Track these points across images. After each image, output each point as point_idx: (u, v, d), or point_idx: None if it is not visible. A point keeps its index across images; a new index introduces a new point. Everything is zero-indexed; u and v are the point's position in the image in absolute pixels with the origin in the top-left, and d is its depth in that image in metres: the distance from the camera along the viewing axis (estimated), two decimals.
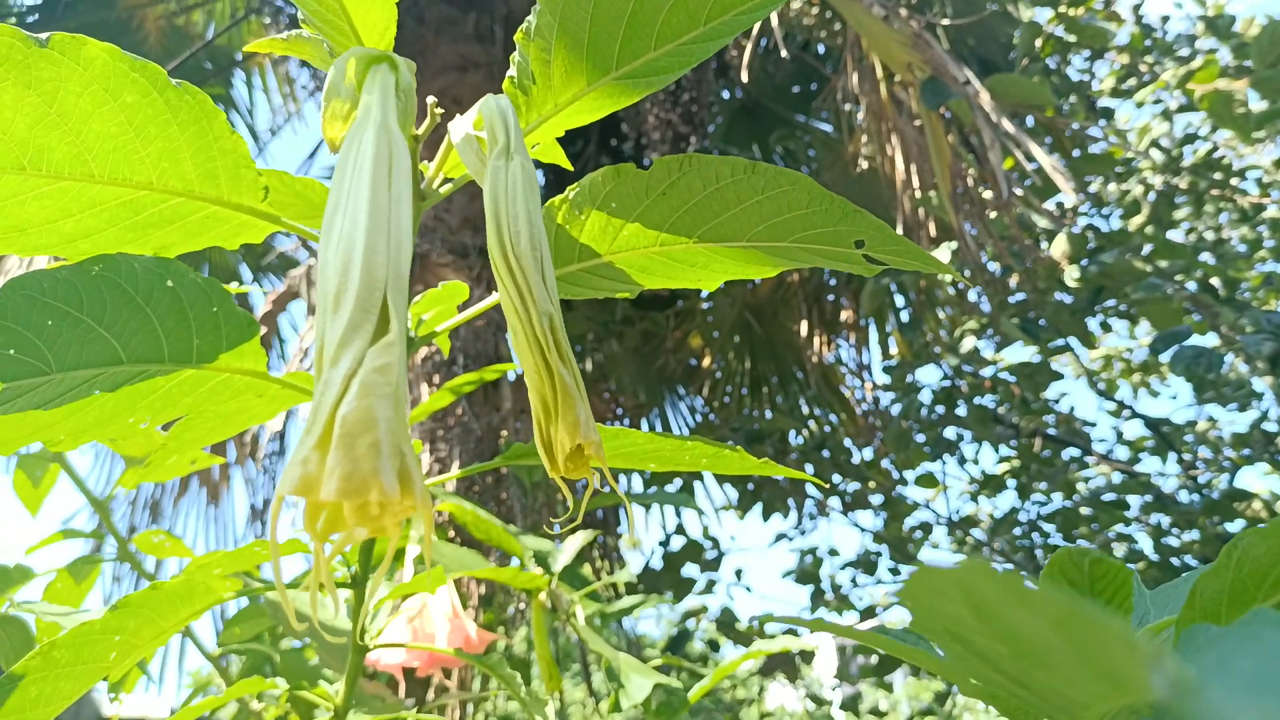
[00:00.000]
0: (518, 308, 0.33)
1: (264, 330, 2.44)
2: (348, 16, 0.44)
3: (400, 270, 0.28)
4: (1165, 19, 2.57)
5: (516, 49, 0.44)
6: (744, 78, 2.54)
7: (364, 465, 0.24)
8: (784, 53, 2.42)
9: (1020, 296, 2.34)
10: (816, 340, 3.42)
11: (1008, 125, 1.61)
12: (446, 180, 0.49)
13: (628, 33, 0.42)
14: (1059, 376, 2.81)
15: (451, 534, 1.56)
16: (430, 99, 0.46)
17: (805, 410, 3.60)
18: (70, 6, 3.31)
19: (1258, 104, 2.03)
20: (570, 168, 0.56)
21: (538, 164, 0.47)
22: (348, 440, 0.25)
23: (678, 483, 3.28)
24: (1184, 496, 2.93)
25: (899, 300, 3.30)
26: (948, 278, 2.23)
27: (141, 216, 0.44)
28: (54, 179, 0.41)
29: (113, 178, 0.42)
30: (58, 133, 0.39)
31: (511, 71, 0.45)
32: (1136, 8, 2.50)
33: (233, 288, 0.69)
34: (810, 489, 3.38)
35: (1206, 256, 2.57)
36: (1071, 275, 1.91)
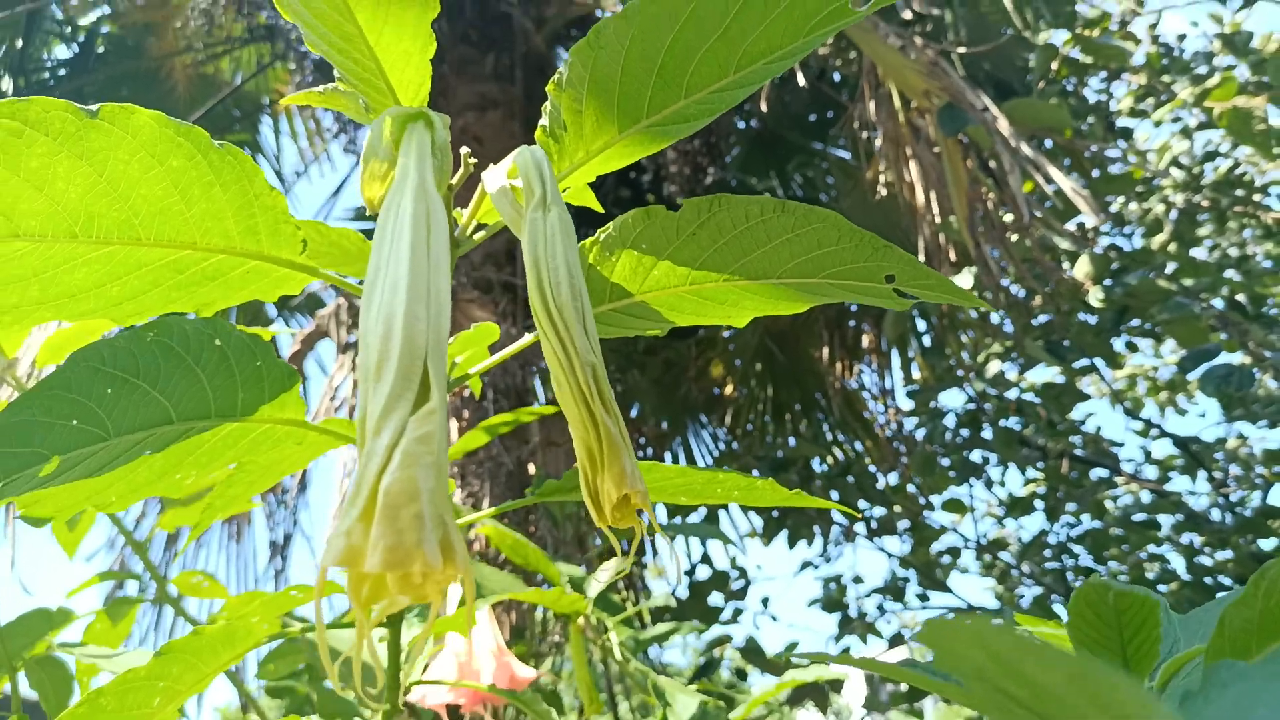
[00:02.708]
0: (560, 358, 0.33)
1: (298, 373, 2.47)
2: (383, 74, 0.45)
3: (440, 337, 0.29)
4: (1182, 37, 2.57)
5: (548, 98, 0.45)
6: (762, 107, 2.55)
7: (408, 537, 0.25)
8: (801, 81, 2.44)
9: (1044, 318, 2.33)
10: (839, 366, 3.41)
11: (1026, 149, 1.61)
12: (480, 227, 0.50)
13: (658, 83, 0.43)
14: (1085, 397, 2.79)
15: (492, 562, 1.57)
16: (464, 150, 0.47)
17: (829, 437, 3.59)
18: (101, 59, 3.38)
19: (1278, 119, 2.02)
20: (601, 210, 0.57)
21: (569, 207, 0.48)
22: (391, 512, 0.25)
23: (702, 511, 3.27)
24: (1215, 515, 2.88)
25: (921, 325, 3.29)
26: None
27: (185, 275, 0.45)
28: (102, 244, 0.42)
29: (158, 239, 0.43)
30: (107, 199, 0.41)
31: (543, 120, 0.46)
32: (1152, 27, 2.51)
33: (264, 331, 0.70)
34: (836, 515, 3.36)
35: (1231, 273, 2.55)
36: (1096, 296, 1.90)
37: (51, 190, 0.40)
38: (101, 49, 3.44)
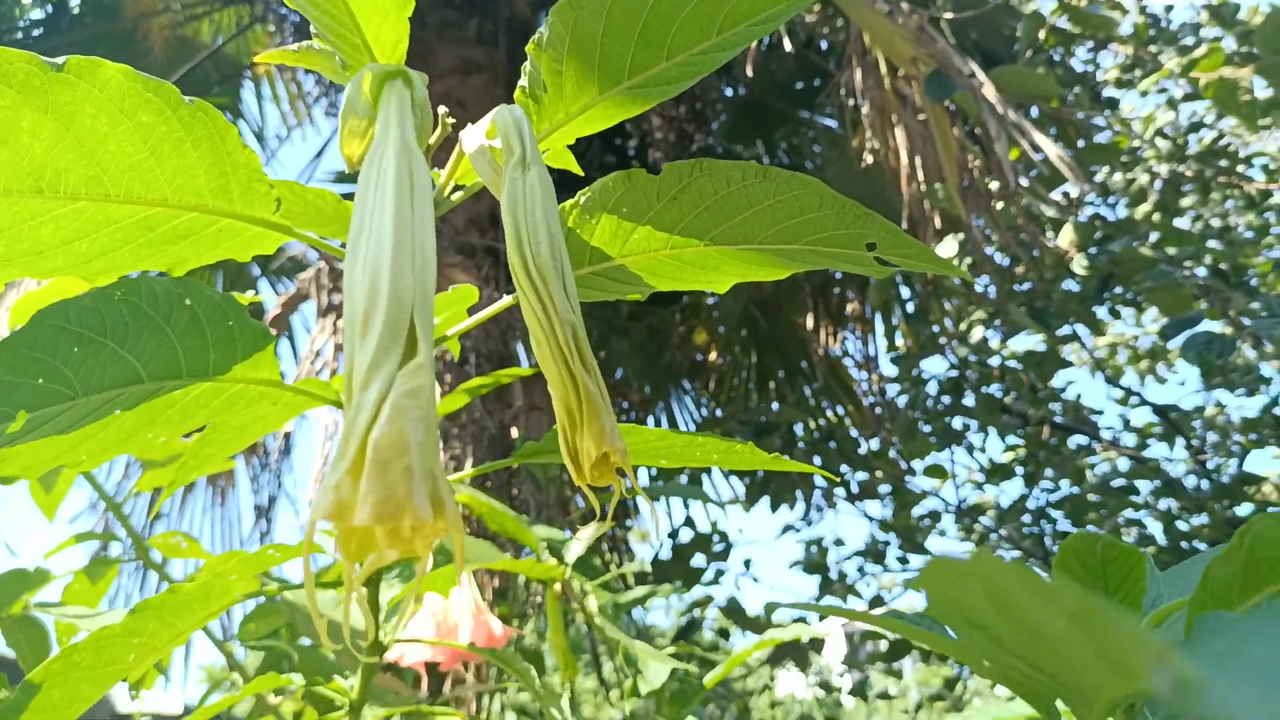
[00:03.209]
0: (540, 318, 0.33)
1: (275, 332, 2.45)
2: (360, 32, 0.44)
3: (426, 291, 0.29)
4: (1169, 8, 2.56)
5: (528, 58, 0.44)
6: (748, 74, 2.53)
7: (397, 490, 0.25)
8: (789, 47, 2.42)
9: (1028, 285, 2.34)
10: (823, 333, 3.42)
11: (1013, 116, 1.60)
12: (458, 188, 0.50)
13: (639, 44, 0.42)
14: (1067, 364, 2.81)
15: (466, 529, 1.57)
16: (441, 109, 0.46)
17: (812, 403, 3.60)
18: (76, 19, 3.31)
19: (1263, 91, 2.02)
20: (581, 173, 0.56)
21: (549, 170, 0.48)
22: (380, 465, 0.25)
23: (685, 475, 3.29)
24: (1192, 481, 2.92)
25: (905, 292, 3.29)
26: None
27: (156, 233, 0.44)
28: (70, 200, 0.41)
29: (128, 196, 0.42)
30: (74, 155, 0.40)
31: (523, 81, 0.45)
32: None
33: (246, 297, 0.69)
34: (818, 480, 3.38)
35: (1214, 244, 2.57)
36: (1080, 264, 1.90)
37: (16, 144, 0.39)
38: (76, 10, 3.37)
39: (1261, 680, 0.15)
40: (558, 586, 1.09)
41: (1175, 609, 0.33)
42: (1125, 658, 0.18)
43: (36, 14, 3.39)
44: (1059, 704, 0.32)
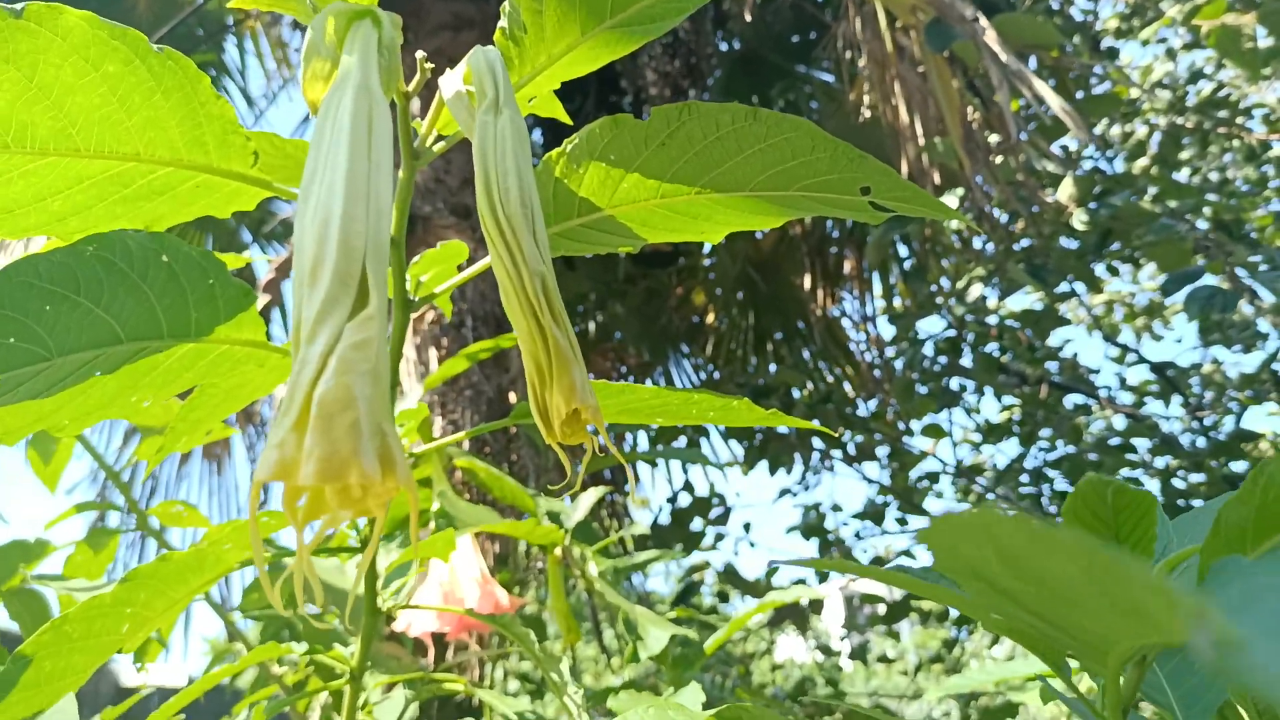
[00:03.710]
0: (508, 268, 0.32)
1: (268, 298, 2.43)
2: None
3: (380, 239, 0.27)
4: None
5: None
6: (746, 20, 2.48)
7: (343, 447, 0.23)
8: None
9: (1026, 243, 2.32)
10: (820, 294, 3.40)
11: (1016, 65, 1.58)
12: (440, 138, 0.48)
13: None
14: (1065, 322, 2.80)
15: (466, 495, 1.57)
16: (419, 53, 0.44)
17: (810, 365, 3.60)
18: None
19: (1265, 40, 1.99)
20: (570, 122, 0.55)
21: (538, 119, 0.46)
22: (325, 421, 0.24)
23: (684, 439, 3.29)
24: (1189, 439, 2.93)
25: (903, 251, 3.27)
26: (953, 224, 2.20)
27: (131, 189, 0.43)
28: (39, 155, 0.40)
29: (99, 151, 0.41)
30: (39, 107, 0.38)
31: (502, 22, 0.43)
32: None
33: (236, 257, 0.68)
34: (816, 442, 3.38)
35: (1213, 197, 2.55)
36: (1079, 219, 1.89)
37: None
38: None
39: None
40: (558, 551, 1.09)
41: (1187, 555, 0.32)
42: (1146, 610, 0.17)
43: None
44: (1069, 660, 0.31)
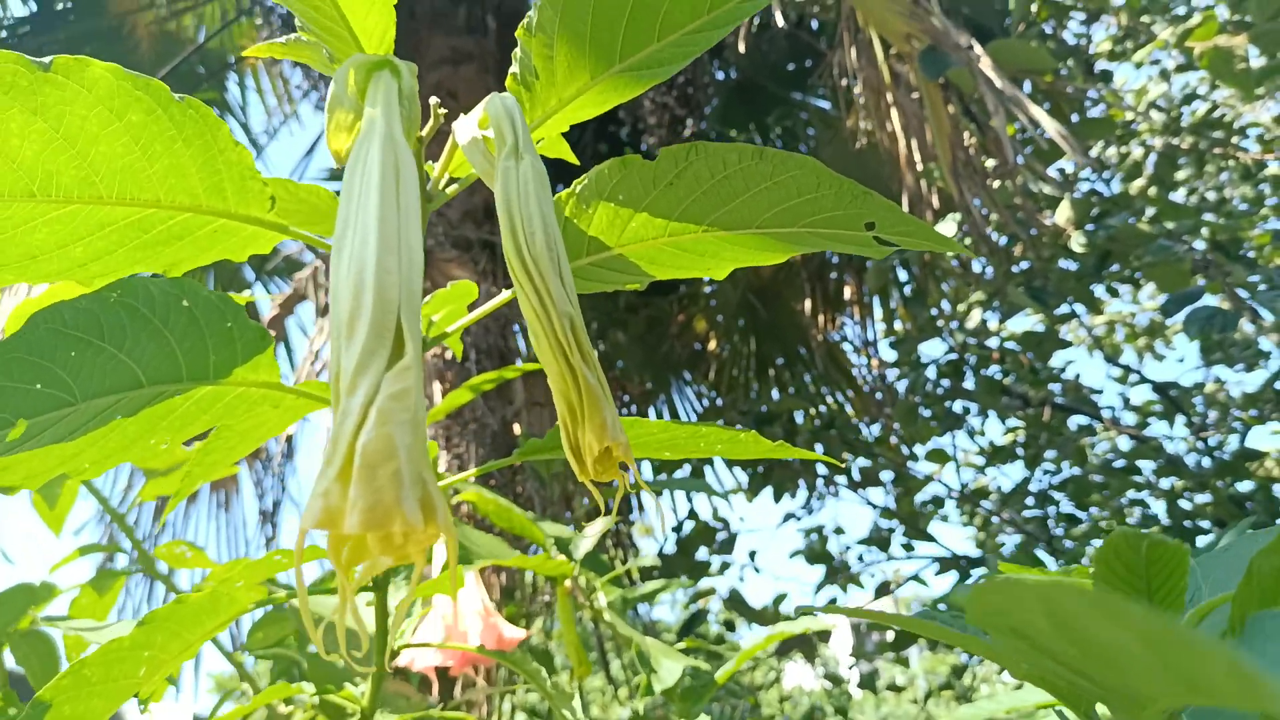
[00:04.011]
0: (537, 311, 0.32)
1: (272, 334, 2.44)
2: (345, 22, 0.43)
3: (413, 289, 0.28)
4: None
5: (518, 44, 0.44)
6: (740, 53, 2.51)
7: (386, 496, 0.24)
8: (780, 22, 2.39)
9: (1025, 265, 2.33)
10: (821, 319, 3.41)
11: (1011, 91, 1.60)
12: (452, 180, 0.49)
13: (630, 25, 0.42)
14: (1067, 344, 2.80)
15: (473, 526, 1.56)
16: (433, 100, 0.45)
17: (812, 390, 3.60)
18: (61, 16, 3.29)
19: (1257, 60, 2.01)
20: (576, 162, 0.56)
21: (543, 159, 0.47)
22: (369, 471, 0.25)
23: (687, 468, 3.29)
24: (1194, 459, 2.92)
25: (902, 275, 3.29)
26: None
27: (151, 235, 0.44)
28: (63, 203, 0.40)
29: (121, 198, 0.42)
30: (65, 156, 0.39)
31: (514, 68, 0.44)
32: None
33: (241, 297, 0.69)
34: (820, 468, 3.38)
35: (1210, 217, 2.56)
36: (1078, 241, 1.90)
37: (5, 147, 0.39)
38: (61, 6, 3.35)
39: None
40: (568, 583, 1.08)
41: (1216, 605, 0.32)
42: (1212, 682, 0.17)
43: (21, 11, 3.38)
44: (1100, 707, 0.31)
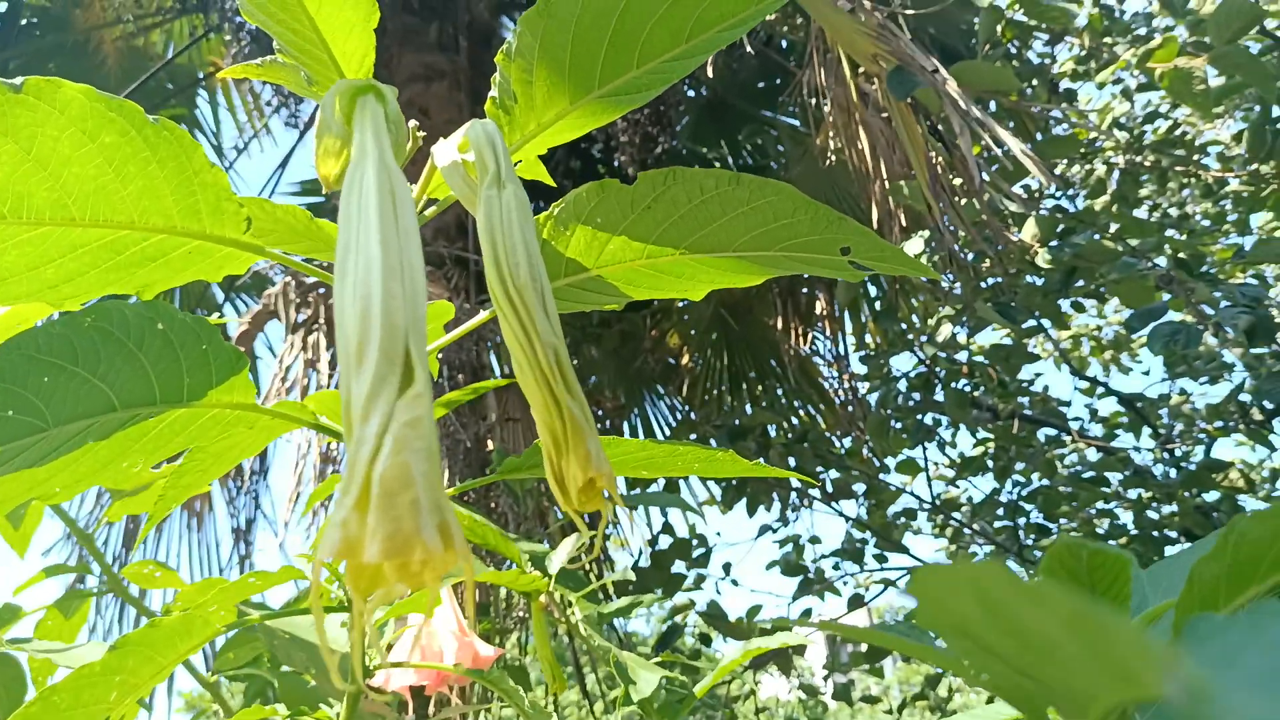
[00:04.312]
0: (521, 341, 0.33)
1: (240, 350, 2.41)
2: (326, 46, 0.43)
3: (419, 314, 0.28)
4: None
5: (498, 69, 0.44)
6: (710, 75, 2.53)
7: (406, 524, 0.24)
8: (749, 49, 2.43)
9: (993, 281, 2.36)
10: (793, 334, 3.43)
11: (976, 112, 1.62)
12: (431, 202, 0.49)
13: (609, 52, 0.42)
14: (1035, 358, 2.84)
15: None
16: (412, 123, 0.46)
17: (785, 403, 3.62)
18: (25, 31, 3.25)
19: (1216, 80, 2.05)
20: (553, 184, 0.56)
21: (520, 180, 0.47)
22: (387, 500, 0.25)
23: (661, 481, 3.29)
24: (1160, 470, 2.96)
25: (872, 290, 3.32)
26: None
27: (124, 256, 0.43)
28: (34, 225, 0.40)
29: (94, 219, 0.41)
30: (36, 178, 0.39)
31: (493, 92, 0.45)
32: None
33: (212, 319, 0.68)
34: (794, 480, 3.39)
35: (1173, 233, 2.61)
36: (1044, 257, 1.93)
37: None
38: (25, 21, 3.31)
39: (1266, 688, 0.15)
40: (543, 598, 1.08)
41: (1161, 612, 0.33)
42: (1128, 665, 0.18)
43: None
44: (1050, 713, 0.32)
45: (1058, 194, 2.37)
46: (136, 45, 3.43)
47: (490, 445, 2.31)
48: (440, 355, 2.25)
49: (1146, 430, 3.03)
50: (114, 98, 0.41)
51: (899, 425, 3.05)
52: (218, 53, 3.53)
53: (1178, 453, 2.96)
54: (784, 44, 3.07)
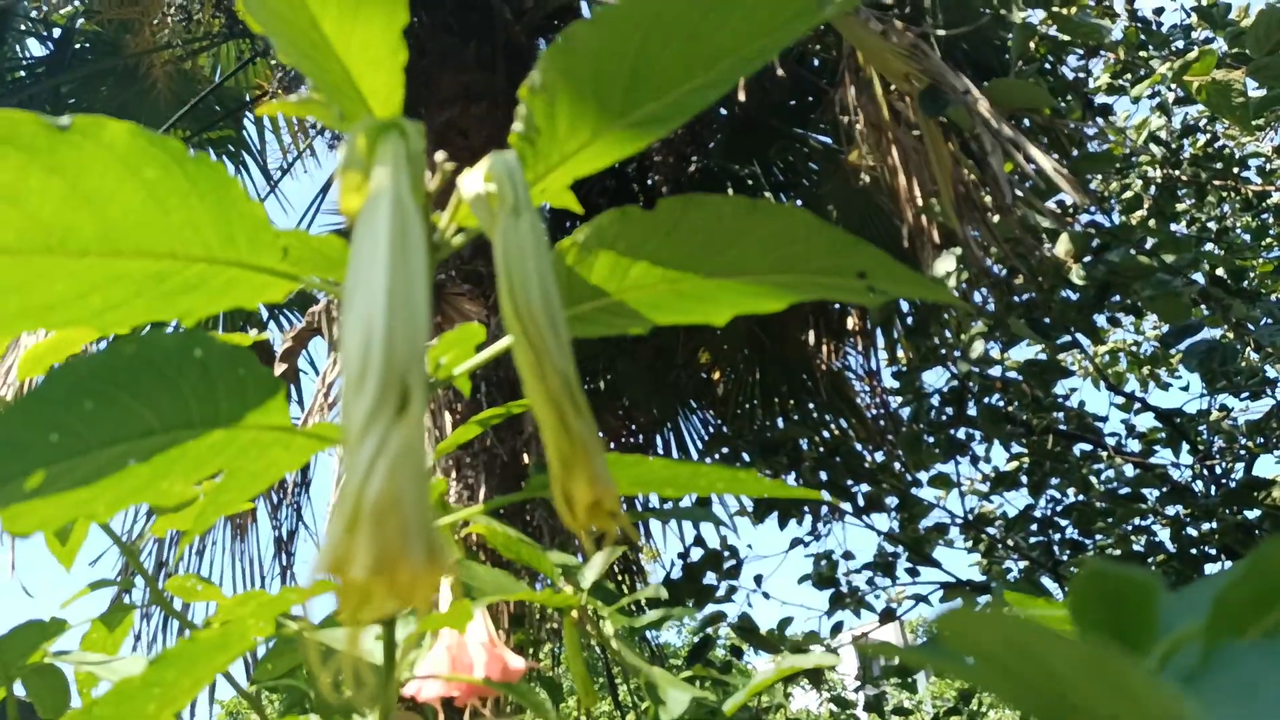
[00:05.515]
0: (533, 367, 0.34)
1: (284, 367, 2.46)
2: (353, 83, 0.45)
3: (418, 349, 0.30)
4: (1159, 11, 2.58)
5: (522, 103, 0.45)
6: (740, 96, 2.55)
7: (392, 545, 0.26)
8: (780, 71, 2.44)
9: (1026, 296, 2.34)
10: (825, 349, 3.42)
11: (1007, 130, 1.62)
12: (460, 230, 0.51)
13: (630, 84, 0.43)
14: (1068, 373, 2.81)
15: (482, 557, 1.57)
16: (439, 155, 0.47)
17: (816, 418, 3.61)
18: (78, 55, 3.34)
19: (1255, 91, 2.03)
20: (580, 210, 0.57)
21: (550, 208, 0.49)
22: (376, 522, 0.26)
23: (694, 494, 3.29)
24: (1199, 487, 2.91)
25: (904, 306, 3.30)
26: (954, 280, 2.24)
27: (167, 285, 0.45)
28: (80, 256, 0.42)
29: (137, 250, 0.43)
30: (83, 212, 0.41)
31: (517, 125, 0.46)
32: (1130, 1, 2.51)
33: (244, 337, 0.70)
34: (825, 494, 3.38)
35: (1211, 247, 2.57)
36: (1078, 273, 1.91)
37: (25, 205, 0.40)
38: (78, 45, 3.40)
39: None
40: (575, 613, 1.09)
41: (1188, 637, 0.33)
42: (1140, 701, 0.18)
43: (39, 51, 3.43)
44: None
45: (1092, 210, 2.35)
46: (185, 69, 3.51)
47: (526, 459, 2.33)
48: (478, 372, 2.27)
49: (1185, 446, 2.98)
50: (156, 134, 0.43)
51: (931, 440, 3.03)
52: (264, 76, 3.61)
53: (1218, 469, 2.91)
54: (815, 62, 3.07)
